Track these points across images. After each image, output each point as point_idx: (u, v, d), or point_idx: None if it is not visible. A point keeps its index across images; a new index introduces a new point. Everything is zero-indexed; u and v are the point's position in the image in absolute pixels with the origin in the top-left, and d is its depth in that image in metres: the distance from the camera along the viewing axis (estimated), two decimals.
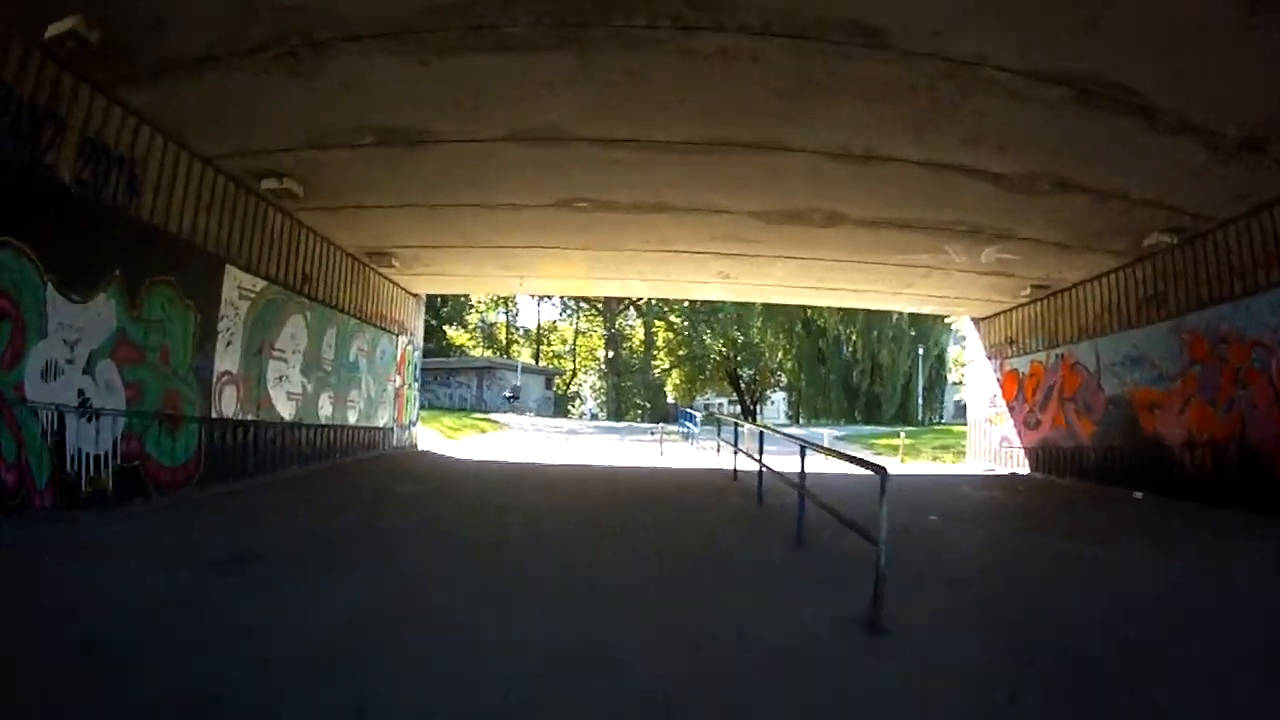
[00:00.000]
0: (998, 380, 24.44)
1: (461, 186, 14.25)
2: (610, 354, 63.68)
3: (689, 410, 47.26)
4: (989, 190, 12.92)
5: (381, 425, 22.57)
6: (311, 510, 11.98)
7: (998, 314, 24.02)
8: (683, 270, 20.45)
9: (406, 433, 24.77)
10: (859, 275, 20.03)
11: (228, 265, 14.21)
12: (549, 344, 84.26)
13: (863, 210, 14.72)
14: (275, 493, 13.47)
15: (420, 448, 25.28)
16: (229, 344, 14.47)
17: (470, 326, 75.21)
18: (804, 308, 70.76)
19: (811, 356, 74.39)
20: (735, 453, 18.21)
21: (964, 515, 13.59)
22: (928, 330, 71.38)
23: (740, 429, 21.30)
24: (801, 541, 9.94)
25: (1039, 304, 21.48)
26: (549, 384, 70.16)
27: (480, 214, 15.79)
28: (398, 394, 23.78)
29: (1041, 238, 15.68)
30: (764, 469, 13.72)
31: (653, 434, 37.42)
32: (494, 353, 75.81)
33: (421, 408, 45.71)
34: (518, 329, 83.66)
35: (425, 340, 61.44)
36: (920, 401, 73.30)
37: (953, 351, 75.81)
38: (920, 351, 71.38)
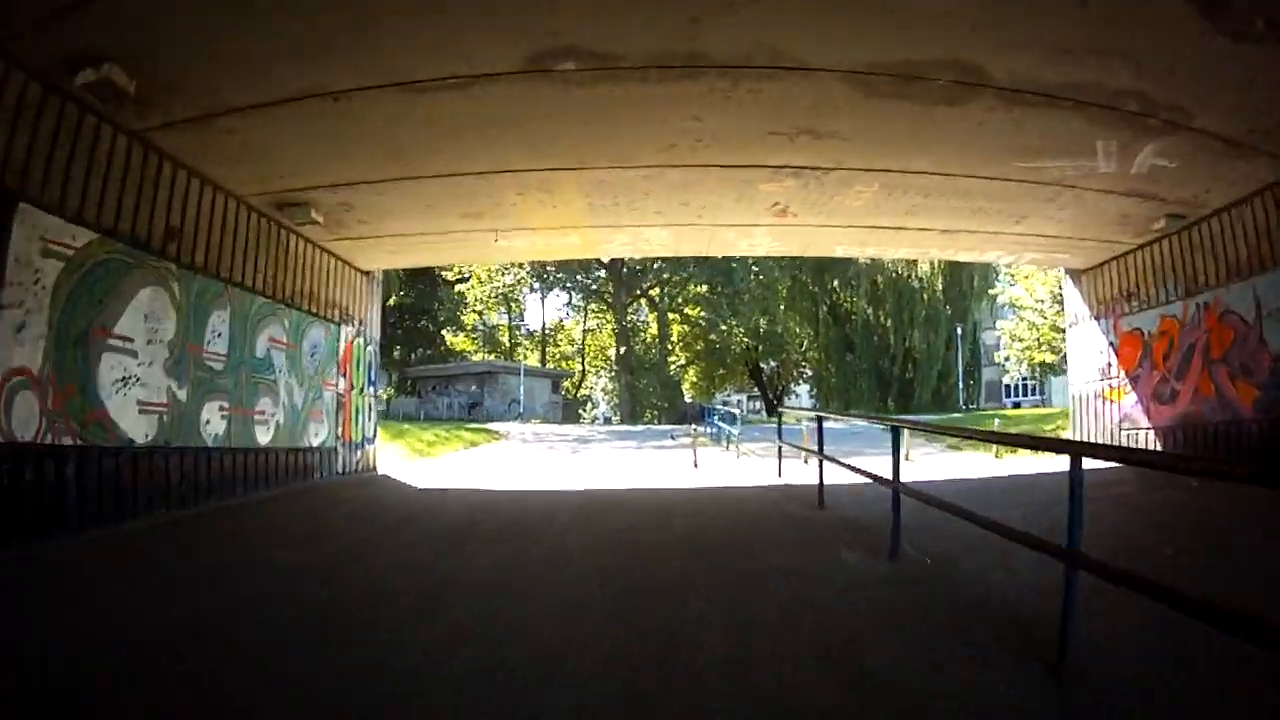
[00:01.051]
0: (1111, 345, 19.35)
1: (386, 43, 8.74)
2: (622, 350, 57.98)
3: (716, 407, 41.33)
4: (1192, 25, 8.13)
5: (316, 445, 16.88)
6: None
7: (1109, 261, 18.91)
8: (721, 204, 14.67)
9: (359, 453, 19.12)
10: (959, 205, 14.81)
11: (22, 205, 8.92)
12: (556, 344, 78.65)
13: (1012, 65, 9.32)
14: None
15: (379, 471, 19.72)
16: (22, 327, 8.99)
17: (469, 328, 69.24)
18: (830, 292, 65.58)
19: (839, 343, 69.86)
20: (807, 460, 15.07)
21: (1207, 541, 8.56)
22: (963, 309, 66.65)
23: (806, 424, 15.73)
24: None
25: (1169, 241, 16.63)
26: (556, 387, 64.61)
27: (417, 103, 10.09)
28: (342, 403, 18.08)
29: (1218, 130, 11.06)
30: (898, 490, 8.31)
31: (674, 437, 32.36)
32: (497, 356, 70.19)
33: (417, 420, 41.74)
34: (522, 329, 77.97)
35: (420, 347, 55.43)
36: (961, 385, 68.11)
37: (986, 335, 70.82)
38: (959, 331, 66.02)
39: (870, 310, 68.59)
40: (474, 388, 59.51)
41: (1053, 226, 16.06)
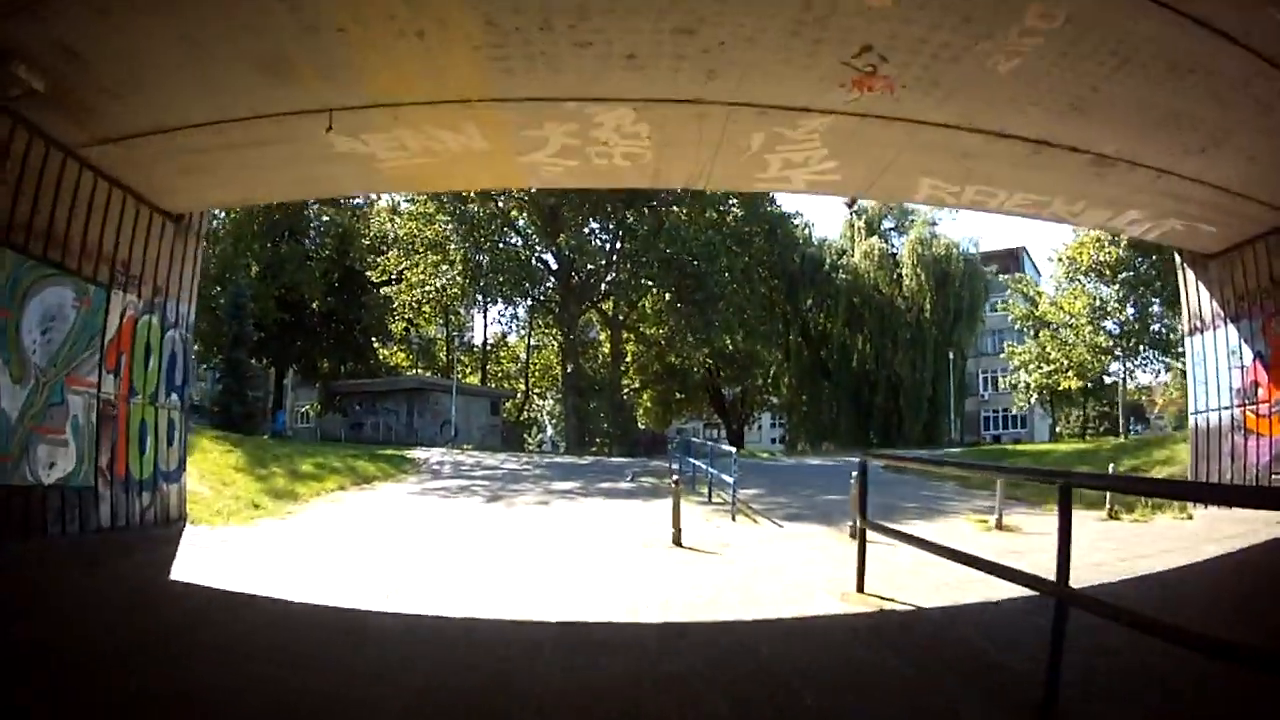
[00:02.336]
0: (1260, 357, 13.46)
1: None
2: (569, 369, 50.78)
3: (691, 439, 34.49)
4: None
5: (50, 482, 9.89)
6: None
7: (1253, 239, 13.25)
8: (758, 43, 7.66)
9: (149, 496, 12.11)
10: (1124, 123, 9.29)
11: None
12: (498, 362, 71.69)
13: None
14: None
15: (184, 525, 12.76)
16: None
17: (397, 337, 61.65)
18: (803, 312, 59.33)
19: (813, 369, 64.03)
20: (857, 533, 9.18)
21: None
22: (950, 332, 61.48)
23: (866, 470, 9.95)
24: None
25: None
26: (495, 409, 57.34)
27: None
28: (108, 414, 11.07)
29: None
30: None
31: (632, 477, 25.31)
32: (433, 373, 62.91)
33: (339, 441, 36.94)
34: (461, 346, 70.64)
35: (349, 360, 47.46)
36: (954, 416, 62.30)
37: (976, 361, 65.29)
38: (950, 356, 61.53)
39: (848, 333, 62.50)
40: (403, 406, 52.50)
41: (1181, 189, 11.13)
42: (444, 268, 46.99)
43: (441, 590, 8.74)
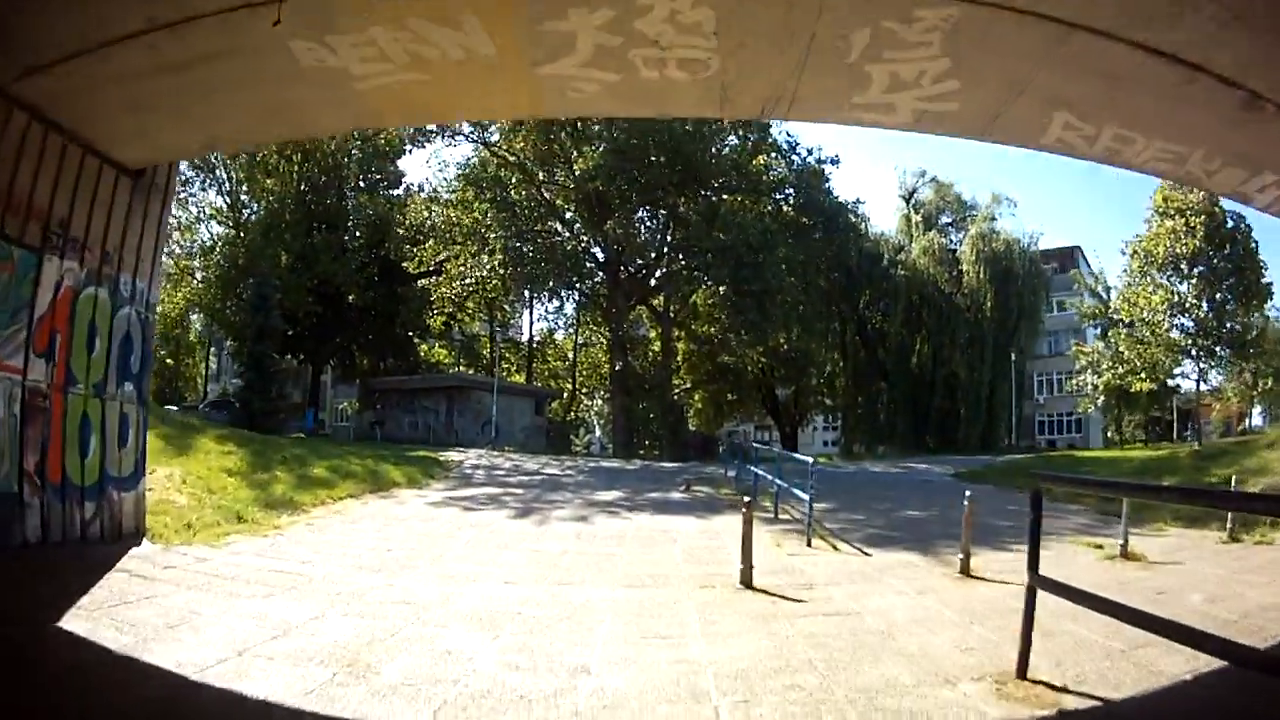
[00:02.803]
0: None
1: None
2: (618, 366, 48.06)
3: (747, 442, 32.02)
4: None
5: None
6: None
7: None
8: None
9: (94, 506, 10.42)
10: None
11: None
12: (544, 360, 69.41)
13: None
14: None
15: (145, 544, 10.79)
16: None
17: (436, 332, 59.48)
18: (860, 310, 56.66)
19: (869, 369, 61.95)
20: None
21: None
22: (1011, 332, 59.32)
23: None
24: None
25: None
26: (540, 408, 55.04)
27: None
28: (34, 405, 8.91)
29: None
30: None
31: (685, 486, 22.83)
32: (475, 371, 60.83)
33: (373, 440, 36.35)
34: (505, 342, 68.26)
35: (390, 356, 47.65)
36: (1015, 420, 59.43)
37: (1030, 363, 63.23)
38: (1013, 356, 59.31)
39: (906, 332, 60.02)
40: (442, 405, 50.37)
41: None
42: (483, 258, 44.62)
43: (416, 666, 6.24)
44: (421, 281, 48.96)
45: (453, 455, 31.09)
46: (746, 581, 9.39)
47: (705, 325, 55.24)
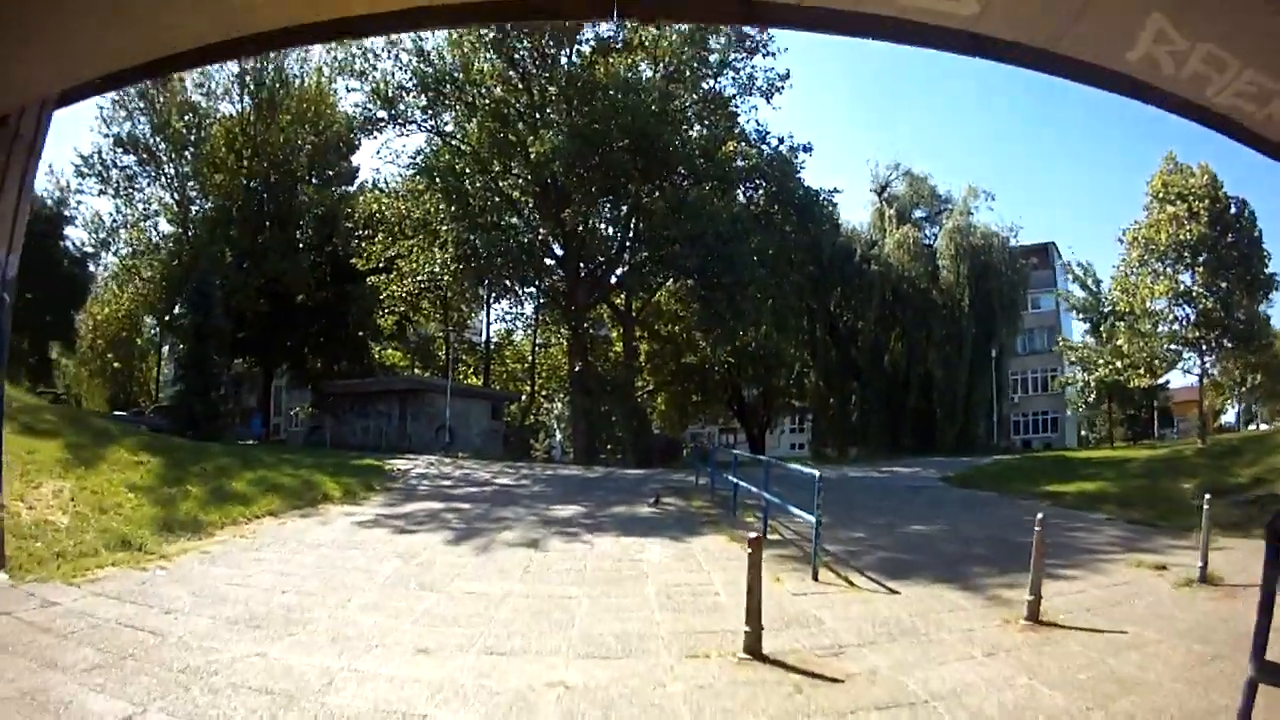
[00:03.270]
0: None
1: None
2: (577, 366, 45.25)
3: (708, 446, 29.71)
4: None
5: None
6: None
7: None
8: None
9: None
10: None
11: None
12: (502, 361, 66.89)
13: None
14: None
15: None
16: None
17: (386, 331, 56.35)
18: (823, 304, 54.21)
19: (841, 368, 59.15)
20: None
21: None
22: (990, 330, 57.31)
23: None
24: None
25: None
26: (497, 412, 52.21)
27: None
28: None
29: None
30: None
31: (655, 501, 19.88)
32: (431, 373, 58.26)
33: (323, 447, 37.71)
34: (462, 344, 65.49)
35: (342, 359, 51.40)
36: (995, 420, 57.84)
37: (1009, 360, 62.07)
38: (993, 353, 57.45)
39: (879, 329, 57.75)
40: (396, 409, 47.75)
41: None
42: (434, 252, 41.82)
43: None
44: (371, 279, 45.91)
45: (400, 463, 28.80)
46: (753, 648, 6.93)
47: (669, 324, 53.04)
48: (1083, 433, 65.09)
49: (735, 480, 17.29)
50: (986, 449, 52.14)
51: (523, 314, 60.94)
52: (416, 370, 59.64)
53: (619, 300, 48.34)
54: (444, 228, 40.66)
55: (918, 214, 62.23)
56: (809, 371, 59.92)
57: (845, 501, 19.92)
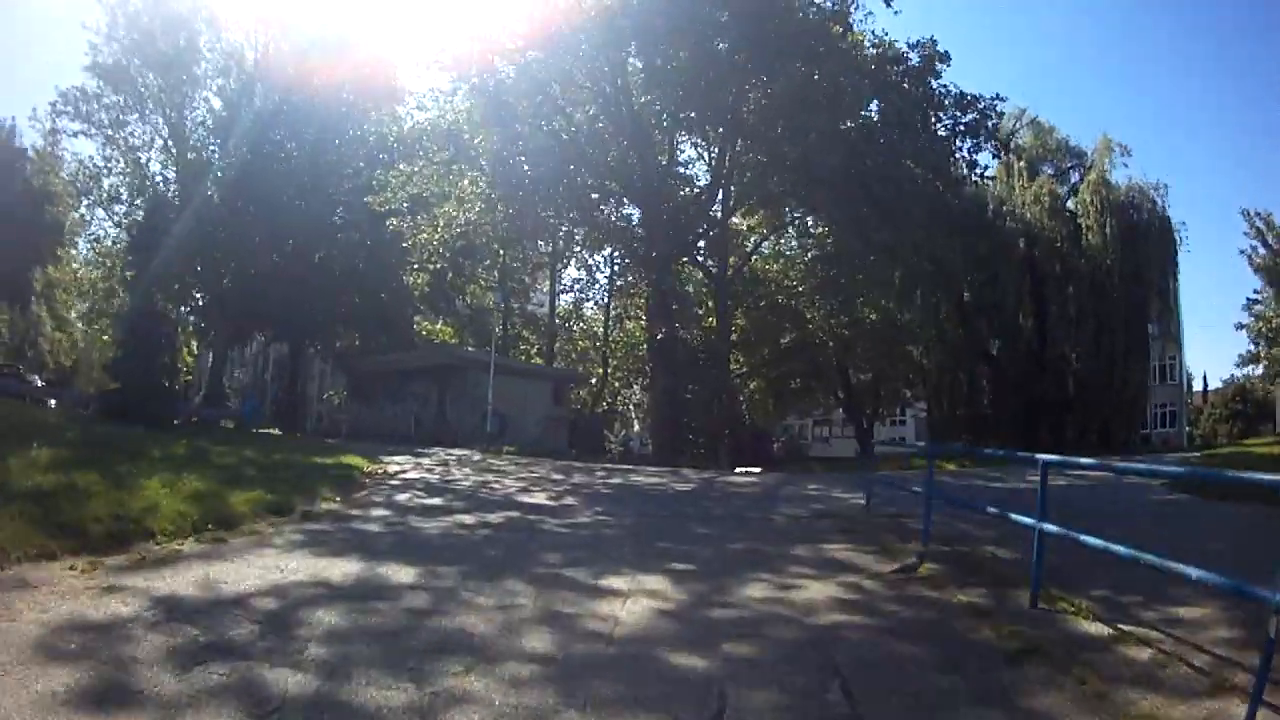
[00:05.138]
0: None
1: None
2: (659, 334, 34.14)
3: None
4: None
5: None
6: None
7: None
8: None
9: None
10: None
11: None
12: (571, 339, 57.14)
13: None
14: None
15: None
16: None
17: (416, 291, 46.02)
18: (953, 271, 42.09)
19: (969, 348, 48.48)
20: None
21: None
22: (1143, 300, 46.81)
23: None
24: None
25: None
26: (559, 395, 42.63)
27: None
28: None
29: None
30: None
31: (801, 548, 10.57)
32: (476, 347, 48.67)
33: (336, 436, 34.50)
34: (522, 316, 56.05)
35: (380, 333, 38.29)
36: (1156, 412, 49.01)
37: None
38: (1150, 333, 48.66)
39: (1016, 302, 46.79)
40: (434, 390, 38.86)
41: None
42: (463, 179, 31.73)
43: None
44: (392, 222, 35.93)
45: (398, 462, 20.62)
46: None
47: (771, 292, 43.20)
48: (1187, 429, 56.00)
49: (1037, 525, 7.35)
50: (1129, 445, 44.13)
51: (594, 281, 51.63)
52: (470, 347, 49.92)
53: (711, 262, 38.52)
54: (478, 139, 30.74)
55: (1046, 170, 51.39)
56: (929, 350, 49.53)
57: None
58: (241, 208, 39.11)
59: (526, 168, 29.52)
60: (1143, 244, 46.03)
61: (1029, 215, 46.28)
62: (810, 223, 38.38)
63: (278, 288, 39.33)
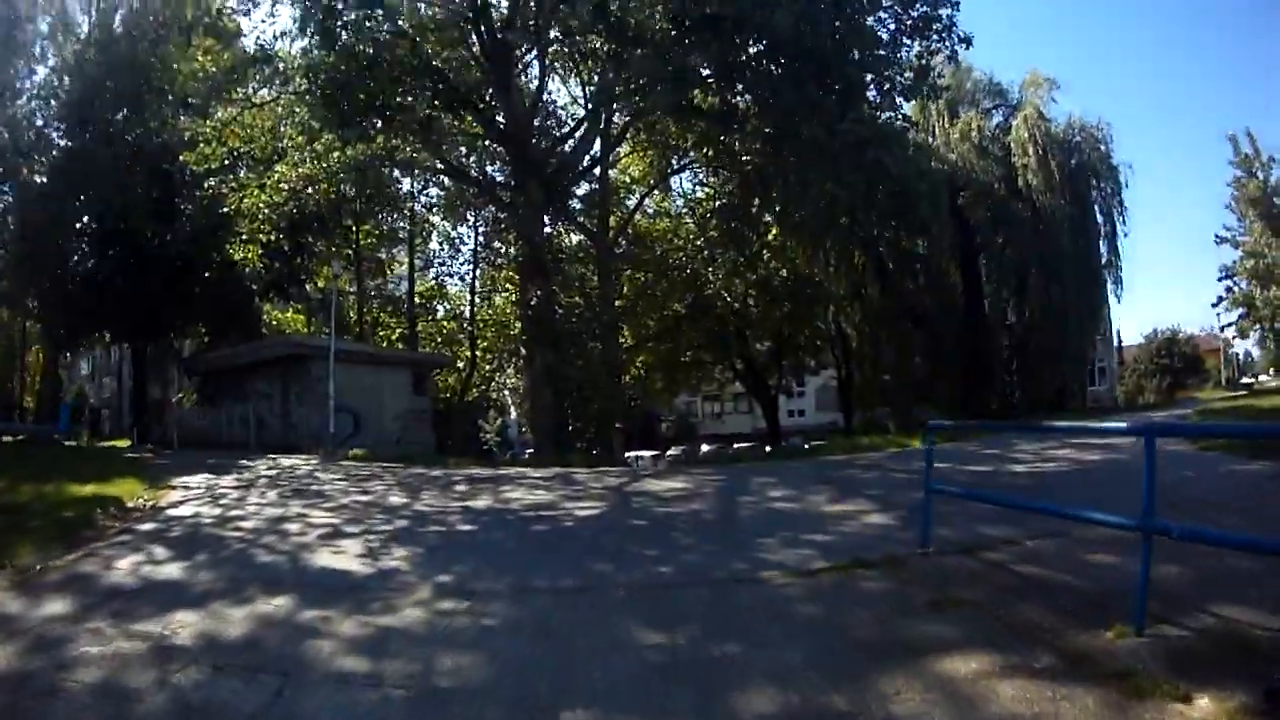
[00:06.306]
0: None
1: None
2: (535, 295, 28.07)
3: None
4: None
5: None
6: None
7: None
8: None
9: None
10: None
11: None
12: (436, 321, 50.78)
13: None
14: None
15: None
16: None
17: (246, 269, 36.47)
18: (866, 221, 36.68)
19: (890, 308, 43.03)
20: None
21: None
22: (1087, 245, 42.33)
23: None
24: None
25: None
26: (421, 385, 36.17)
27: None
28: None
29: None
30: None
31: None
32: (351, 339, 42.03)
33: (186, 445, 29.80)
34: (379, 297, 49.91)
35: (225, 327, 39.25)
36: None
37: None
38: (1105, 262, 43.75)
39: (943, 254, 42.23)
40: (278, 386, 33.48)
41: None
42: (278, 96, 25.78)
43: None
44: (211, 182, 29.80)
45: (184, 486, 15.11)
46: None
47: (659, 248, 38.95)
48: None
49: None
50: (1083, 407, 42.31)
51: (457, 253, 47.31)
52: (325, 335, 42.50)
53: (590, 221, 33.46)
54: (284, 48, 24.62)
55: (967, 112, 45.81)
56: (843, 313, 45.15)
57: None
58: (67, 192, 33.47)
59: (363, 97, 23.34)
60: (1091, 185, 42.84)
61: (954, 155, 41.52)
62: (711, 162, 33.03)
63: (114, 282, 34.18)
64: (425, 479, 16.76)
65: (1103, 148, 43.52)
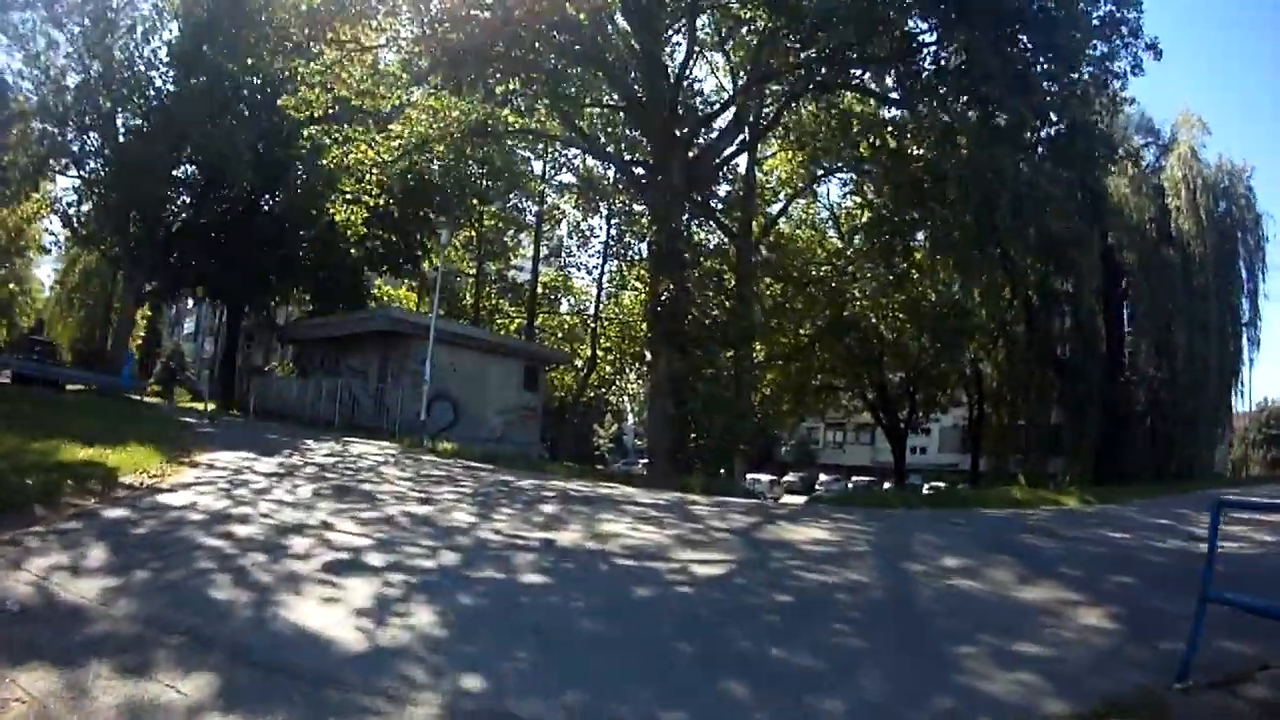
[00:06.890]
0: None
1: None
2: (665, 291, 25.84)
3: None
4: None
5: None
6: None
7: None
8: None
9: None
10: None
11: None
12: (554, 311, 48.26)
13: None
14: None
15: None
16: None
17: (347, 231, 30.66)
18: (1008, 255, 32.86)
19: (1037, 353, 40.13)
20: None
21: None
22: (1231, 293, 40.45)
23: None
24: None
25: None
26: (532, 379, 33.63)
27: None
28: None
29: None
30: None
31: None
32: (462, 322, 39.65)
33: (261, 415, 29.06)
34: (498, 282, 47.57)
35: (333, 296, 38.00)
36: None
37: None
38: (1247, 320, 41.51)
39: (1094, 301, 38.38)
40: (373, 362, 31.51)
41: None
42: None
43: None
44: (311, 130, 27.14)
45: (215, 462, 13.02)
46: None
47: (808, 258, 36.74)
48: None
49: None
50: (1212, 475, 40.21)
51: (585, 242, 45.81)
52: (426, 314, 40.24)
53: (730, 220, 31.46)
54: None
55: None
56: (986, 350, 41.91)
57: None
58: (164, 136, 31.67)
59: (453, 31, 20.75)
60: (1233, 234, 39.85)
61: (1110, 188, 37.37)
62: (866, 161, 29.75)
63: (210, 235, 33.92)
64: (509, 490, 13.53)
65: (1246, 195, 40.99)
